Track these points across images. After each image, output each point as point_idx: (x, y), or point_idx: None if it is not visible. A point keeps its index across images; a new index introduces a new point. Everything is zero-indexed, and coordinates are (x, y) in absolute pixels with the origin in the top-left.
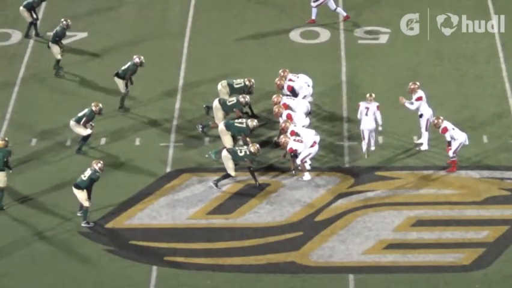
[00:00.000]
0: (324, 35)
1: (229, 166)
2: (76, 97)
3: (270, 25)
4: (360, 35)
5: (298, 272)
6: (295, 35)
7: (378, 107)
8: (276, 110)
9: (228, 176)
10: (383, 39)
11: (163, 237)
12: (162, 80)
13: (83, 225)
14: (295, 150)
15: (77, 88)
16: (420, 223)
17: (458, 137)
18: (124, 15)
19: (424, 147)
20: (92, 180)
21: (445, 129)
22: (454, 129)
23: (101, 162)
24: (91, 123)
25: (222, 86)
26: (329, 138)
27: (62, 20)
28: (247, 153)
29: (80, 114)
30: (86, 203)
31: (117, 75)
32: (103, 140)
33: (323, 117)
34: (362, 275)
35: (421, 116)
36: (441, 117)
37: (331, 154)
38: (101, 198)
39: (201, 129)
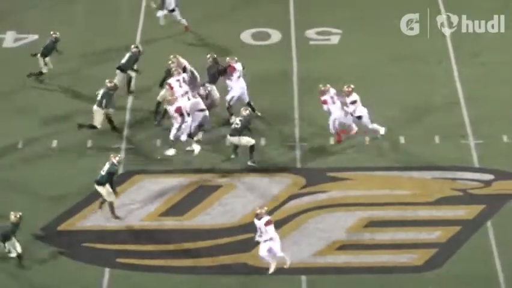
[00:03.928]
0: (276, 36)
1: None
2: (29, 99)
3: (220, 26)
4: (312, 36)
5: (251, 273)
6: (246, 36)
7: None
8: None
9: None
10: (335, 39)
11: (116, 239)
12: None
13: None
14: (180, 108)
15: (30, 90)
16: (373, 224)
17: (334, 112)
18: (75, 15)
19: (382, 132)
20: (110, 174)
21: (325, 102)
22: (334, 103)
23: (119, 155)
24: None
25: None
26: (281, 139)
27: (51, 32)
28: None
29: (98, 98)
30: (111, 198)
31: (120, 68)
32: (54, 143)
33: (275, 118)
34: (314, 276)
35: (360, 117)
36: (328, 87)
37: (283, 155)
38: (52, 200)
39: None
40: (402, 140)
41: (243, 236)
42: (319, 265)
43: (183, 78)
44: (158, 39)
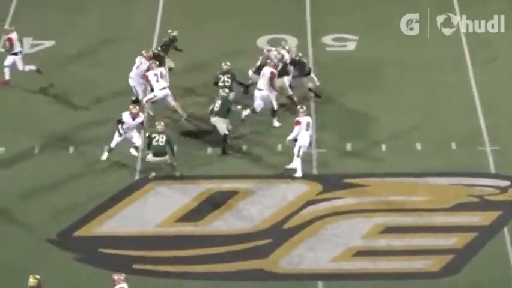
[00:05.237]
0: (292, 42)
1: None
2: (45, 105)
3: (237, 32)
4: (328, 42)
5: (268, 279)
6: (262, 42)
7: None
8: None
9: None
10: (351, 46)
11: (132, 245)
12: (129, 87)
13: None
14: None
15: (46, 97)
16: (389, 230)
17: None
18: (90, 22)
19: (298, 174)
20: (169, 142)
21: (298, 122)
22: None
23: (161, 123)
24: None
25: None
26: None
27: (169, 31)
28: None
29: (217, 108)
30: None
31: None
32: (71, 149)
33: (292, 124)
34: (331, 282)
35: (295, 140)
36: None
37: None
38: (69, 205)
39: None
40: (418, 146)
41: (260, 242)
42: (336, 271)
43: (161, 72)
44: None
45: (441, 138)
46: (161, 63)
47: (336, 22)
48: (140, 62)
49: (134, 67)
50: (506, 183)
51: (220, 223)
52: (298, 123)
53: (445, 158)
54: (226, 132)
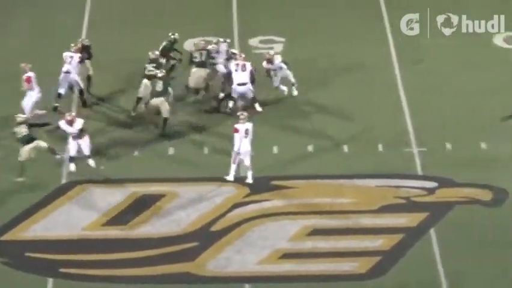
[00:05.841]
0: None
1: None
2: None
3: (163, 36)
4: (255, 44)
5: (194, 282)
6: (189, 45)
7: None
8: None
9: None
10: (278, 48)
11: (59, 249)
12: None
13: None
14: None
15: None
16: (316, 232)
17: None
18: (17, 30)
19: (230, 177)
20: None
21: (235, 130)
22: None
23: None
24: None
25: None
26: (224, 148)
27: (170, 33)
28: None
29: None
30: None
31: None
32: None
33: (217, 127)
34: (257, 284)
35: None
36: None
37: (226, 164)
38: None
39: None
40: (345, 148)
41: (187, 245)
42: (262, 274)
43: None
44: (101, 50)
45: (368, 140)
46: (89, 56)
47: (263, 24)
48: (71, 56)
49: (66, 63)
50: (433, 184)
51: (147, 226)
52: (236, 130)
53: (372, 159)
54: (168, 116)
